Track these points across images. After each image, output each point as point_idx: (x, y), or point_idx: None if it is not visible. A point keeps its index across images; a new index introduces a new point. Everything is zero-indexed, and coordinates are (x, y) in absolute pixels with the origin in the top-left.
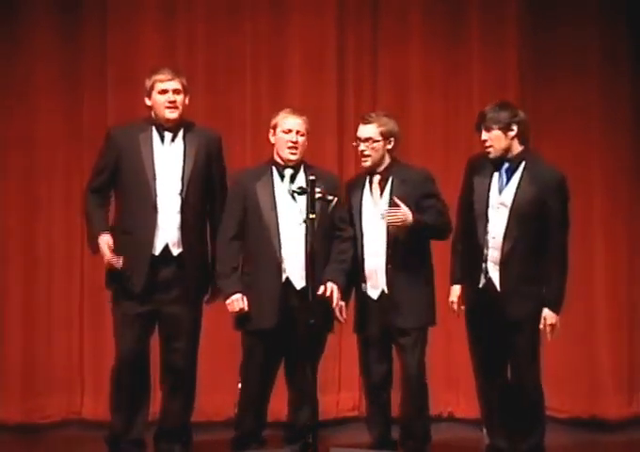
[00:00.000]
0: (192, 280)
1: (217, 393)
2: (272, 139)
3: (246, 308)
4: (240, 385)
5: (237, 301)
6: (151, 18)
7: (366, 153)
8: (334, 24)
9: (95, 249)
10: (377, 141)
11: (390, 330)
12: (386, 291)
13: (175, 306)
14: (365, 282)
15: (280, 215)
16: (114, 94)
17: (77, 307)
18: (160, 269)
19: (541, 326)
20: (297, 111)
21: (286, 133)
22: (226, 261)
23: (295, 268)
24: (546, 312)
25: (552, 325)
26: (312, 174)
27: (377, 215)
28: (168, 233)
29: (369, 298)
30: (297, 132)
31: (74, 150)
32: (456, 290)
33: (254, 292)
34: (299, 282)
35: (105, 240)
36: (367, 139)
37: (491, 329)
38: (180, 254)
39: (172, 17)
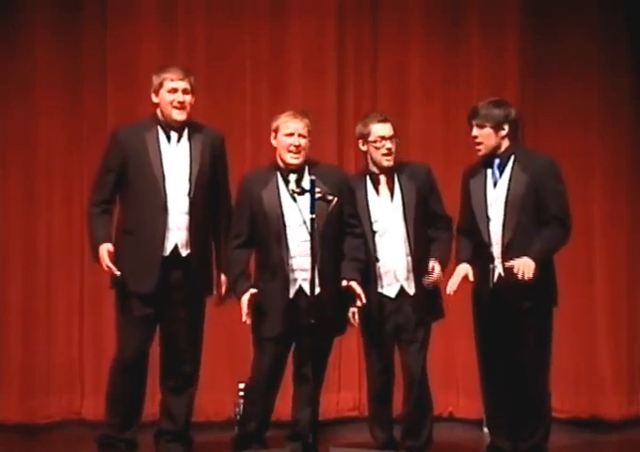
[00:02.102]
0: (199, 281)
1: (217, 393)
2: (274, 143)
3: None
4: (242, 385)
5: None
6: (151, 18)
7: (393, 150)
8: (334, 25)
9: (96, 256)
10: (397, 138)
11: (402, 329)
12: (406, 287)
13: (181, 307)
14: (379, 281)
15: (287, 223)
16: (114, 94)
17: (77, 307)
18: (169, 270)
19: (507, 264)
20: (299, 114)
21: (288, 136)
22: (234, 267)
23: (305, 276)
24: (521, 258)
25: (521, 264)
26: (315, 173)
27: (392, 212)
28: (177, 233)
29: (385, 297)
30: (300, 135)
31: (74, 150)
32: (461, 268)
33: (264, 300)
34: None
35: (105, 247)
36: (392, 137)
37: (501, 327)
38: (188, 255)
39: (172, 17)
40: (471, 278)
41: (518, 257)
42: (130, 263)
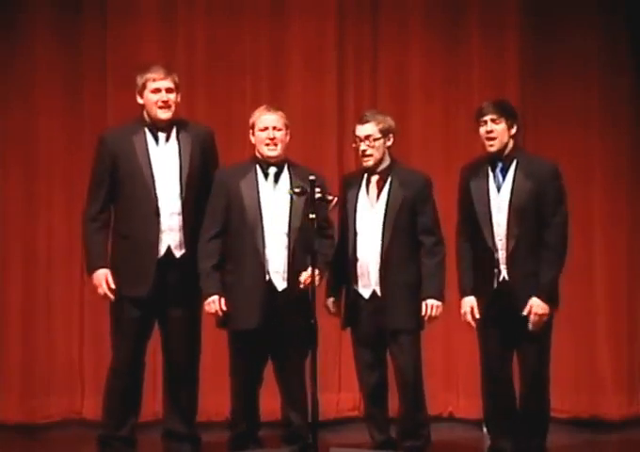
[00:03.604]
0: (194, 281)
1: (217, 393)
2: (252, 139)
3: (224, 308)
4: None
5: (214, 303)
6: (151, 18)
7: (368, 152)
8: (334, 25)
9: (91, 273)
10: (377, 139)
11: (382, 332)
12: (377, 291)
13: (178, 308)
14: (357, 281)
15: (264, 215)
16: (114, 94)
17: (77, 307)
18: (163, 272)
19: (524, 312)
20: (273, 107)
21: (263, 131)
22: (207, 259)
23: (277, 269)
24: (533, 300)
25: (538, 315)
26: (294, 173)
27: (373, 215)
28: (170, 235)
29: (361, 297)
30: (274, 128)
31: (74, 150)
32: (467, 301)
33: (236, 292)
34: (281, 283)
35: (104, 275)
36: (367, 137)
37: (503, 328)
38: (182, 256)
39: (172, 17)
40: (477, 315)
41: (522, 266)
42: (124, 267)
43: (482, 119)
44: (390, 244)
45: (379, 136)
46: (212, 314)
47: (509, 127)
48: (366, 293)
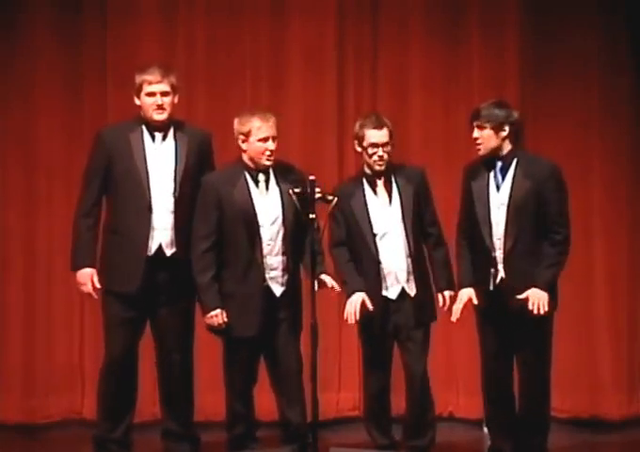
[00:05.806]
0: (186, 279)
1: (217, 393)
2: (243, 146)
3: (226, 320)
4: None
5: (218, 317)
6: (151, 18)
7: (385, 157)
8: (334, 25)
9: (75, 269)
10: (391, 144)
11: (401, 329)
12: (407, 289)
13: (169, 307)
14: (380, 284)
15: (260, 222)
16: (114, 94)
17: (77, 307)
18: (154, 270)
19: (521, 296)
20: (266, 114)
21: (263, 141)
22: (204, 272)
23: (275, 275)
24: (532, 290)
25: (536, 298)
26: (277, 171)
27: (390, 214)
28: (161, 233)
29: (386, 299)
30: (273, 138)
31: (74, 149)
32: (465, 293)
33: (235, 300)
34: (279, 288)
35: (89, 274)
36: (385, 144)
37: (502, 329)
38: (173, 254)
39: (172, 17)
40: (475, 302)
41: (519, 265)
42: (114, 263)
43: (472, 124)
44: (414, 239)
45: (391, 140)
46: (214, 326)
47: (497, 131)
48: (393, 293)
